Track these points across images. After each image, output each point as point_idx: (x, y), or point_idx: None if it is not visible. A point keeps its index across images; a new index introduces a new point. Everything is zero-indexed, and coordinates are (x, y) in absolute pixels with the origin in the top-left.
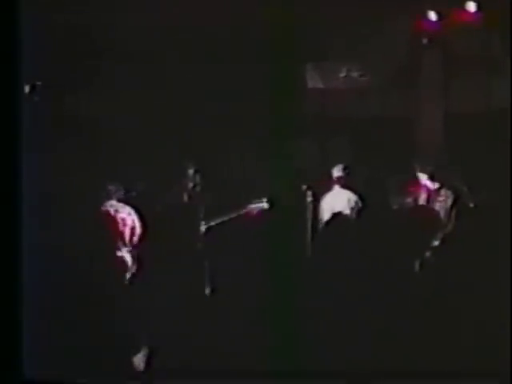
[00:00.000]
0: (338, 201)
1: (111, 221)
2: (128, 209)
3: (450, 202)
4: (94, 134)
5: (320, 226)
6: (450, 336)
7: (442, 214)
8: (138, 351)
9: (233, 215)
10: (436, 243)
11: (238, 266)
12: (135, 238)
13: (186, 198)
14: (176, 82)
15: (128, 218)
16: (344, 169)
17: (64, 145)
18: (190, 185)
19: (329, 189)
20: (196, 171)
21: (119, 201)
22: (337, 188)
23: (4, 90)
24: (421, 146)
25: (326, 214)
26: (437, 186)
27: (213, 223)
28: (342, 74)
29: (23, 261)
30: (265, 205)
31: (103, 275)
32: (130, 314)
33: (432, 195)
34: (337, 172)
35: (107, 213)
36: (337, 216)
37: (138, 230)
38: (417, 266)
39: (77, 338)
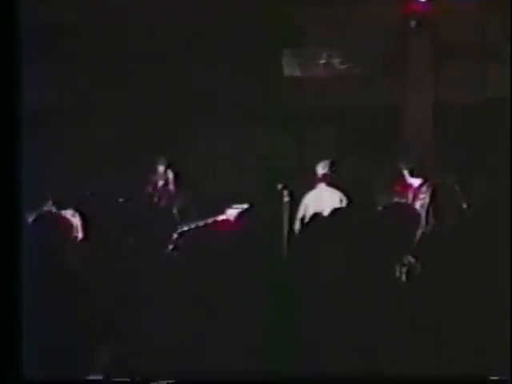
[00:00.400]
0: (322, 200)
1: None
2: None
3: (427, 198)
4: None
5: (301, 225)
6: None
7: (422, 212)
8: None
9: (209, 221)
10: (414, 245)
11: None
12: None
13: (156, 198)
14: (145, 74)
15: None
16: (330, 165)
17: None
18: (161, 183)
19: (311, 187)
20: (168, 167)
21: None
22: (322, 186)
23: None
24: (408, 140)
25: (308, 213)
26: (420, 182)
27: (186, 228)
28: (322, 61)
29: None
30: (245, 208)
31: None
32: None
33: (415, 191)
34: (322, 169)
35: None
36: (319, 215)
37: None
38: (399, 270)
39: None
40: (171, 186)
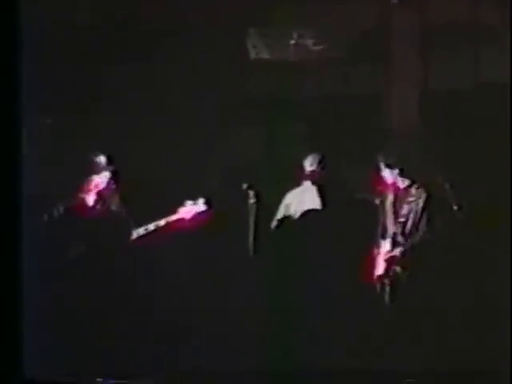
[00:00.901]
0: (304, 199)
1: None
2: None
3: (421, 202)
4: None
5: (276, 227)
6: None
7: (411, 218)
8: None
9: (161, 223)
10: (401, 253)
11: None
12: None
13: (92, 199)
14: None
15: None
16: (319, 161)
17: None
18: (105, 182)
19: (282, 186)
20: (109, 161)
21: None
22: (307, 184)
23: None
24: (391, 133)
25: (290, 213)
26: (407, 183)
27: (140, 231)
28: (292, 42)
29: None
30: (201, 206)
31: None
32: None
33: (401, 195)
34: (310, 165)
35: None
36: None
37: None
38: (380, 286)
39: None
40: (116, 186)
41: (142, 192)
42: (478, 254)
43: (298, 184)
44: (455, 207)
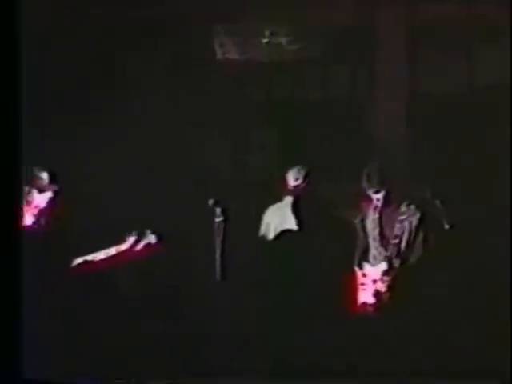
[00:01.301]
0: (286, 217)
1: None
2: None
3: (415, 221)
4: None
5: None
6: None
7: (404, 239)
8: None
9: (111, 251)
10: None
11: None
12: None
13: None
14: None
15: None
16: (305, 175)
17: None
18: (44, 200)
19: (253, 202)
20: (52, 179)
21: None
22: (288, 200)
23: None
24: (375, 143)
25: (270, 233)
26: (395, 199)
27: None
28: (264, 40)
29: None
30: (152, 238)
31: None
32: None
33: (387, 212)
34: (294, 179)
35: None
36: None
37: None
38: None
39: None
40: (58, 207)
41: (88, 215)
42: (475, 277)
43: (274, 199)
44: (446, 226)
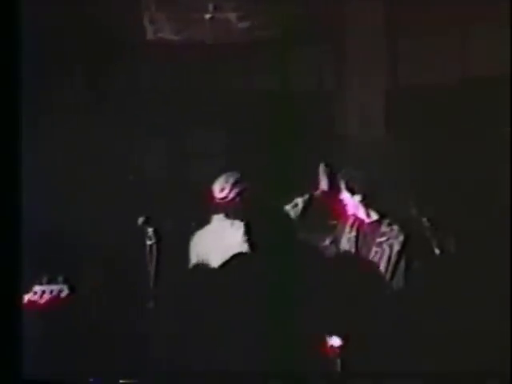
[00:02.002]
0: (222, 241)
1: None
2: None
3: (396, 245)
4: None
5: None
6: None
7: (382, 265)
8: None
9: None
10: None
11: None
12: None
13: None
14: None
15: None
16: (234, 183)
17: None
18: None
19: (199, 218)
20: None
21: None
22: (219, 219)
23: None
24: (350, 143)
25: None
26: (375, 217)
27: None
28: (207, 16)
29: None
30: (64, 288)
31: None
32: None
33: (365, 232)
34: (220, 189)
35: None
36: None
37: None
38: None
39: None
40: None
41: None
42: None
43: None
44: (437, 250)
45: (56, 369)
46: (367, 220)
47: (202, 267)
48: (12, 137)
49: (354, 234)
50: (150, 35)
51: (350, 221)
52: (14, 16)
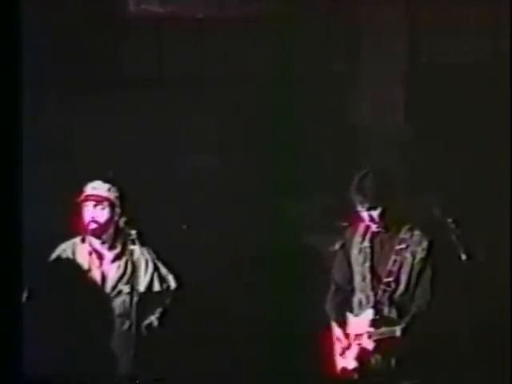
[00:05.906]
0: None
1: None
2: None
3: (420, 253)
4: None
5: None
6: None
7: (403, 277)
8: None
9: None
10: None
11: None
12: None
13: None
14: None
15: None
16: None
17: None
18: None
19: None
20: None
21: None
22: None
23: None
24: (359, 134)
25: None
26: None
27: None
28: None
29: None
30: None
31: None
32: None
33: (382, 238)
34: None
35: None
36: None
37: None
38: None
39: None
40: None
41: None
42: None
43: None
44: (463, 256)
45: (56, 369)
46: (382, 222)
47: None
48: (12, 136)
49: (367, 243)
50: (132, 7)
51: (362, 227)
52: None
